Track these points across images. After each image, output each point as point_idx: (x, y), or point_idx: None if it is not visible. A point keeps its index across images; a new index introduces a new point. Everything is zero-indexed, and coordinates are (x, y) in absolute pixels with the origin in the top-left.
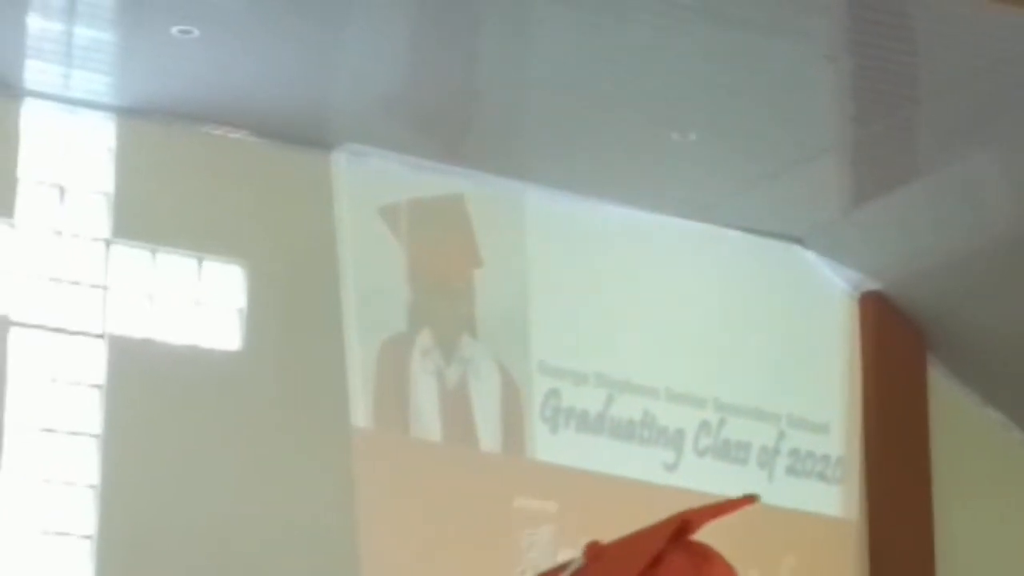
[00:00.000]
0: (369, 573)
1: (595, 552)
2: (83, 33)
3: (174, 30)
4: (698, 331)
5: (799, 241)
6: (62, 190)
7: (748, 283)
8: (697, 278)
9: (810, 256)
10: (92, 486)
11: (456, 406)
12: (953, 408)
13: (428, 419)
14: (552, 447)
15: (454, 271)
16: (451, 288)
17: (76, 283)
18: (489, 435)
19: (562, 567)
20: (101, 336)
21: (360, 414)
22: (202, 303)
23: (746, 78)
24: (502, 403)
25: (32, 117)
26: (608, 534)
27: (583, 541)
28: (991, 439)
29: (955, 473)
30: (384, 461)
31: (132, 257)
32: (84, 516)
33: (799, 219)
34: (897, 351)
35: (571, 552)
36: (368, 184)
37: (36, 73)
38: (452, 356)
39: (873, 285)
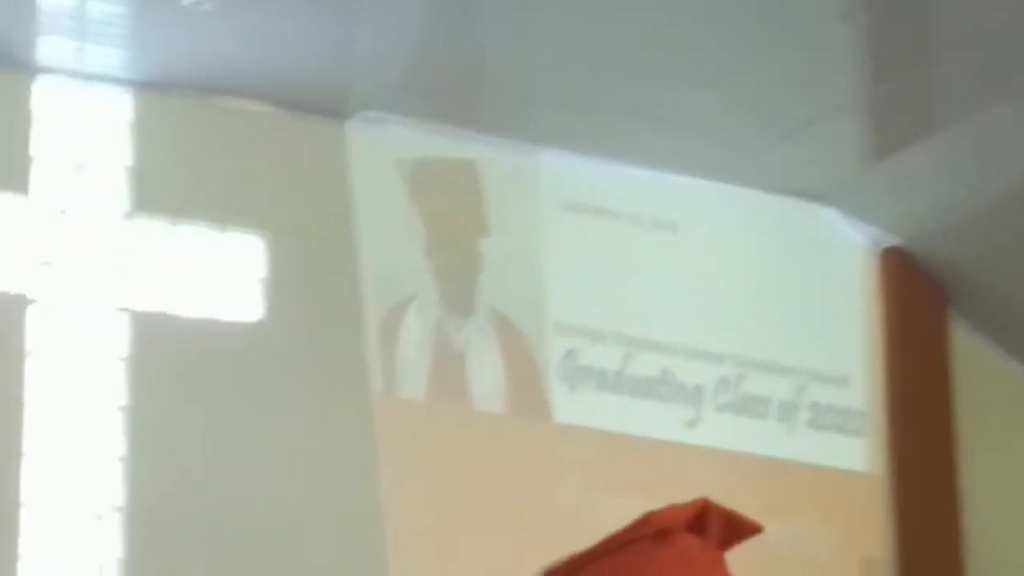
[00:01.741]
0: (396, 540)
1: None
2: (96, 7)
3: (187, 1)
4: (717, 288)
5: (819, 199)
6: (79, 165)
7: (767, 241)
8: (715, 237)
9: (830, 213)
10: (120, 458)
11: (464, 369)
12: (976, 362)
13: (440, 383)
14: (571, 407)
15: (464, 237)
16: (460, 253)
17: (96, 258)
18: (503, 397)
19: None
20: (123, 310)
21: (378, 380)
22: (224, 274)
23: (760, 36)
24: (515, 365)
25: (46, 93)
26: (632, 492)
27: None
28: (1015, 392)
29: (979, 426)
30: (404, 427)
31: (152, 230)
32: (114, 489)
33: (818, 177)
34: (918, 305)
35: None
36: (384, 151)
37: (49, 48)
38: (460, 320)
39: (894, 241)
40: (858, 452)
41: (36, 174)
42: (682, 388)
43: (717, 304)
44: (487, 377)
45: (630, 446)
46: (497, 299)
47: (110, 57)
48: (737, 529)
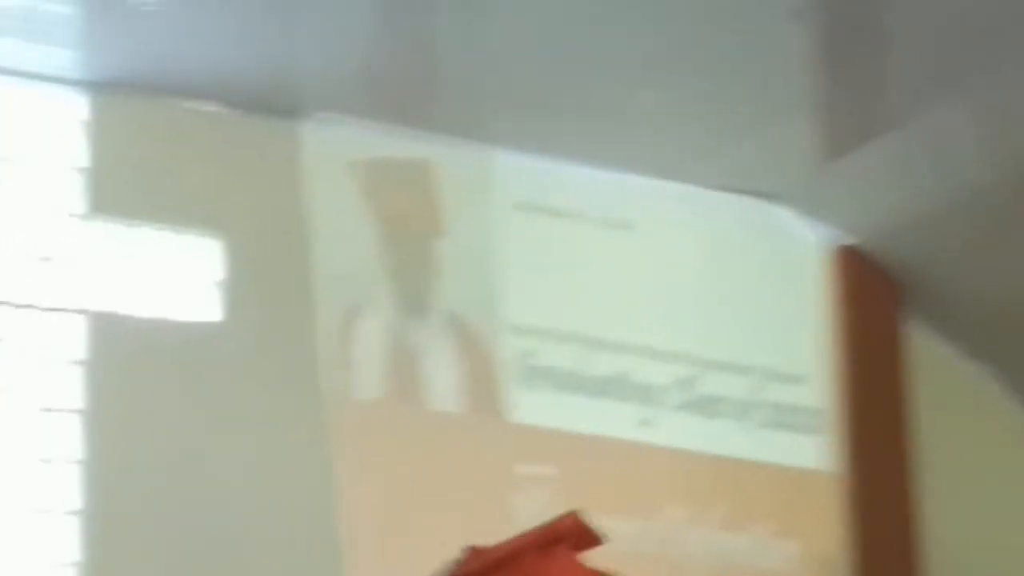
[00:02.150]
0: (350, 540)
1: (476, 551)
2: (47, 8)
3: (136, 0)
4: (672, 288)
5: (773, 198)
6: (32, 167)
7: (721, 241)
8: (670, 237)
9: (784, 212)
10: (77, 461)
11: (419, 371)
12: (931, 360)
13: (396, 385)
14: (527, 407)
15: (418, 238)
16: (415, 254)
17: (52, 260)
18: (459, 398)
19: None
20: (80, 312)
21: (332, 382)
22: (180, 276)
23: (712, 35)
24: (471, 365)
25: None
26: (589, 491)
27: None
28: (970, 391)
29: (934, 424)
30: (359, 428)
31: (108, 232)
32: (70, 492)
33: (772, 176)
34: (873, 304)
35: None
36: (337, 151)
37: (1, 49)
38: (415, 322)
39: (848, 240)
40: (814, 450)
41: None
42: (638, 388)
43: (673, 304)
44: (443, 377)
45: (586, 446)
46: (452, 300)
47: (61, 58)
48: (589, 540)
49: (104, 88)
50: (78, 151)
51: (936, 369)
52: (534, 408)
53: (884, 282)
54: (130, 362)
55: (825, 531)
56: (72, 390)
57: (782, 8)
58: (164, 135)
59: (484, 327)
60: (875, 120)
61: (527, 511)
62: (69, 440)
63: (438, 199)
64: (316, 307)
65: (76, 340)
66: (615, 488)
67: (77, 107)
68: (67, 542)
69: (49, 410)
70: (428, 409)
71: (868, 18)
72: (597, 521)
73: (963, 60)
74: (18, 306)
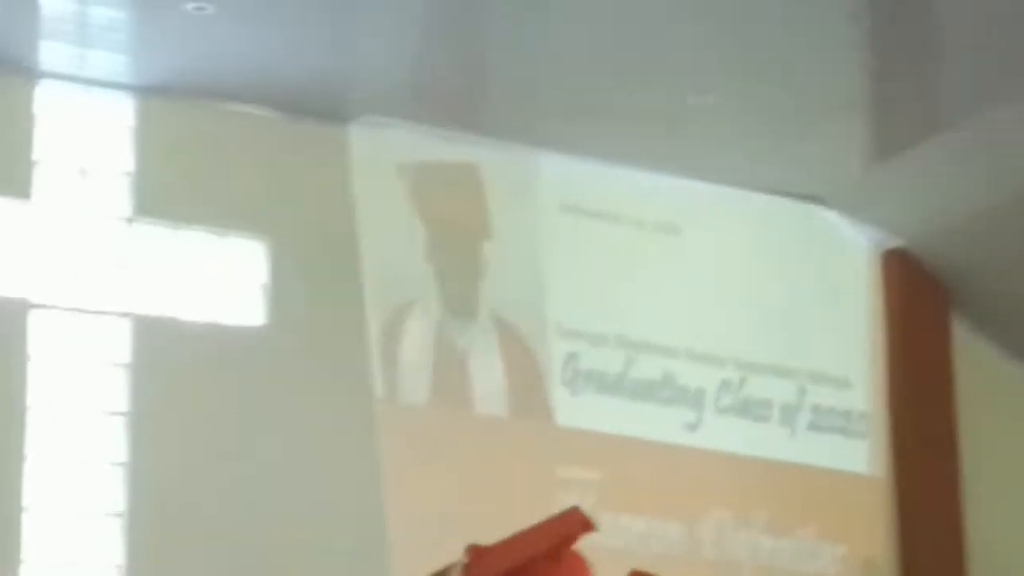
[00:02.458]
0: (397, 542)
1: (477, 552)
2: (98, 12)
3: (189, 6)
4: (719, 291)
5: (821, 200)
6: (81, 170)
7: (770, 243)
8: (717, 239)
9: (832, 215)
10: (121, 464)
11: (466, 373)
12: (978, 363)
13: (443, 387)
14: (573, 410)
15: (465, 241)
16: (462, 257)
17: (98, 263)
18: (505, 401)
19: (446, 569)
20: (125, 315)
21: (380, 384)
22: (225, 279)
23: (763, 39)
24: (517, 368)
25: (49, 98)
26: (634, 495)
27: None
28: (1016, 392)
29: (981, 427)
30: (407, 430)
31: (154, 235)
32: (114, 494)
33: (820, 178)
34: (920, 307)
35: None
36: (385, 154)
37: (51, 54)
38: (463, 324)
39: (896, 243)
40: (860, 454)
41: (39, 179)
42: (684, 391)
43: (719, 307)
44: (489, 380)
45: (632, 449)
46: (499, 303)
47: (112, 62)
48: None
49: (153, 92)
50: (127, 155)
51: (982, 372)
52: (580, 411)
53: (932, 285)
54: (175, 365)
55: (870, 535)
56: (117, 393)
57: (837, 11)
58: (211, 139)
59: (531, 330)
60: (924, 122)
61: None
62: (114, 443)
63: (485, 202)
64: (364, 310)
65: (122, 343)
66: (660, 491)
67: (126, 111)
68: (112, 544)
69: (94, 413)
70: (475, 412)
71: (920, 21)
72: (643, 524)
73: (1013, 63)
74: (65, 309)
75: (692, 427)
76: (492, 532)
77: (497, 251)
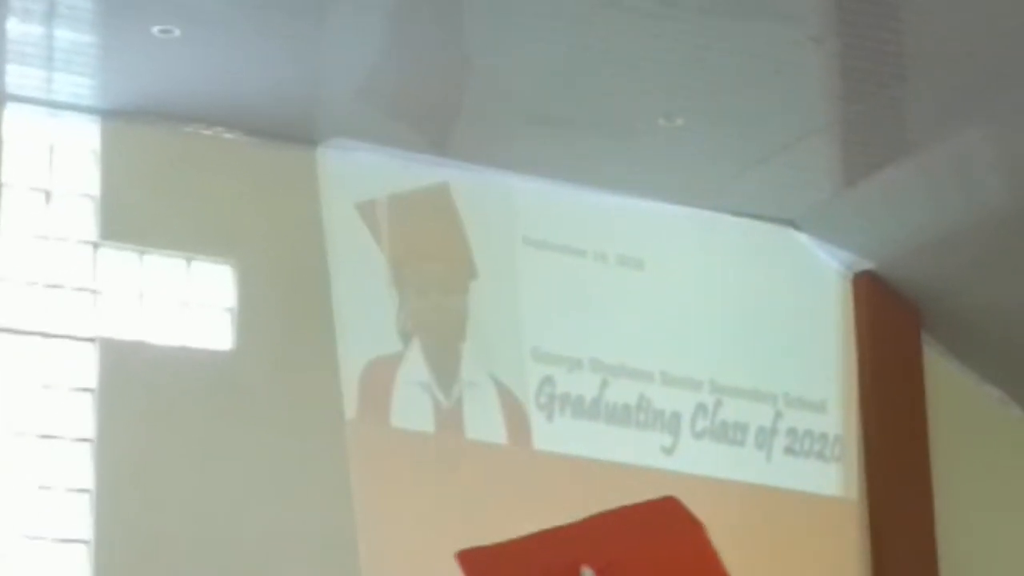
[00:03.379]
0: (369, 566)
1: (465, 554)
2: (64, 36)
3: (155, 30)
4: (692, 314)
5: (791, 223)
6: (47, 194)
7: (741, 266)
8: (689, 263)
9: (803, 238)
10: (87, 490)
11: (453, 424)
12: (950, 385)
13: (413, 413)
14: (549, 434)
15: (447, 280)
16: (443, 295)
17: (64, 287)
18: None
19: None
20: (91, 340)
21: (352, 411)
22: (192, 303)
23: (732, 62)
24: (504, 425)
25: (14, 121)
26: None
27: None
28: (989, 416)
29: (954, 450)
30: (378, 454)
31: (120, 259)
32: (80, 521)
33: (790, 201)
34: (892, 330)
35: None
36: (354, 179)
37: (17, 77)
38: (447, 375)
39: (866, 265)
40: (835, 477)
41: (6, 202)
42: (660, 415)
43: (693, 331)
44: (474, 435)
45: (608, 473)
46: (477, 331)
47: (78, 85)
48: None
49: (119, 115)
50: (92, 178)
51: (954, 394)
52: (556, 435)
53: (903, 307)
54: (142, 389)
55: (845, 557)
56: (83, 419)
57: (800, 33)
58: (178, 162)
59: (508, 357)
60: (892, 145)
61: None
62: (80, 469)
63: (467, 243)
64: (333, 335)
65: (88, 368)
66: None
67: (92, 135)
68: (78, 572)
69: (59, 438)
70: (460, 439)
71: (885, 44)
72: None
73: (981, 85)
74: (29, 333)
75: (668, 451)
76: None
77: (475, 284)
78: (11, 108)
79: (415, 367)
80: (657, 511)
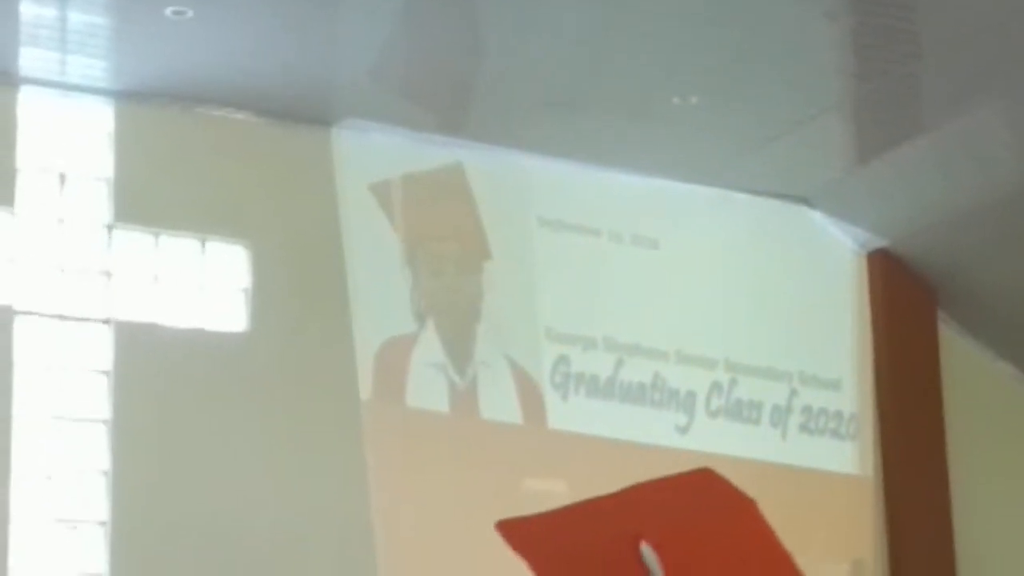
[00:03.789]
0: (383, 548)
1: (506, 524)
2: (77, 18)
3: (168, 11)
4: (707, 293)
5: (805, 201)
6: (62, 177)
7: (755, 244)
8: (704, 241)
9: (817, 215)
10: (104, 472)
11: (468, 404)
12: (964, 362)
13: (430, 394)
14: (564, 413)
15: (461, 260)
16: (457, 276)
17: (80, 270)
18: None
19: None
20: (107, 322)
21: (367, 391)
22: (207, 285)
23: (746, 40)
24: (519, 406)
25: (29, 105)
26: None
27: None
28: (1003, 392)
29: (969, 426)
30: (394, 434)
31: (135, 241)
32: (97, 502)
33: (805, 179)
34: (906, 307)
35: None
36: (368, 159)
37: (32, 60)
38: (462, 356)
39: (881, 243)
40: (850, 455)
41: (21, 186)
42: (675, 394)
43: (707, 309)
44: (497, 396)
45: (623, 452)
46: (492, 311)
47: (92, 68)
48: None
49: (133, 97)
50: (107, 160)
51: (970, 371)
52: (571, 414)
53: (918, 285)
54: (157, 371)
55: (860, 535)
56: (98, 400)
57: (815, 10)
58: (192, 144)
59: (523, 336)
60: (907, 122)
61: None
62: (96, 450)
63: (479, 218)
64: (347, 315)
65: (104, 349)
66: None
67: (106, 117)
68: (95, 552)
69: (76, 420)
70: (475, 418)
71: (901, 21)
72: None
73: (994, 63)
74: (46, 316)
75: (683, 430)
76: (481, 536)
77: (490, 264)
78: (25, 91)
79: (430, 347)
80: (702, 484)
